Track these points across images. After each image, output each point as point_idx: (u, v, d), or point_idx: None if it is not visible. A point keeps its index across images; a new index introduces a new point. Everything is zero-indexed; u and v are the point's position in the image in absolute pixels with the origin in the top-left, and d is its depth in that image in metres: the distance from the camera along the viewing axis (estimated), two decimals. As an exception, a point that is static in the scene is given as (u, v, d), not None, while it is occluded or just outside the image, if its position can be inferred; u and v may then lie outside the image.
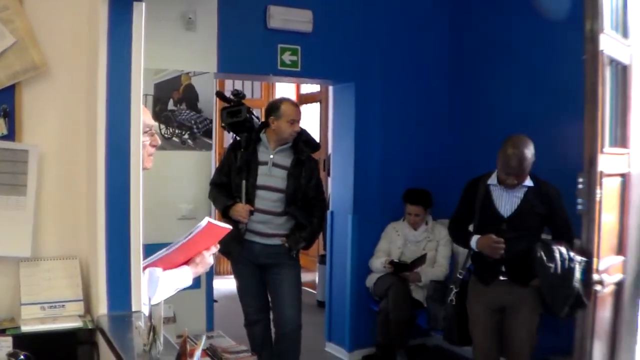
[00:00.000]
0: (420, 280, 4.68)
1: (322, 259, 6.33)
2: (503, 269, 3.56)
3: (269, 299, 4.13)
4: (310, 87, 7.40)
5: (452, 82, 5.23)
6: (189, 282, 2.08)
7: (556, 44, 4.30)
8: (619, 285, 3.92)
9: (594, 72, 3.28)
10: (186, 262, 2.06)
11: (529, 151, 3.47)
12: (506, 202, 3.58)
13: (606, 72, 3.38)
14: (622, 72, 3.68)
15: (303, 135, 4.04)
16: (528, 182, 3.55)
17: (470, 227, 3.77)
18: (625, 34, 3.65)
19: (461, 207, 3.77)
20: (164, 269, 1.98)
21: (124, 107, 1.99)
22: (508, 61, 4.72)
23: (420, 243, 4.88)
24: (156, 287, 1.93)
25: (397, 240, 4.88)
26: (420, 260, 4.67)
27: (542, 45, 4.44)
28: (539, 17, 4.32)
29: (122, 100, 1.99)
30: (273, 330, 4.16)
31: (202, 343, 1.49)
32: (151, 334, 1.57)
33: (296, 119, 3.95)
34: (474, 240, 3.60)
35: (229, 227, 2.05)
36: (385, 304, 4.57)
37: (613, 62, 3.51)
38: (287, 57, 4.58)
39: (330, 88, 5.64)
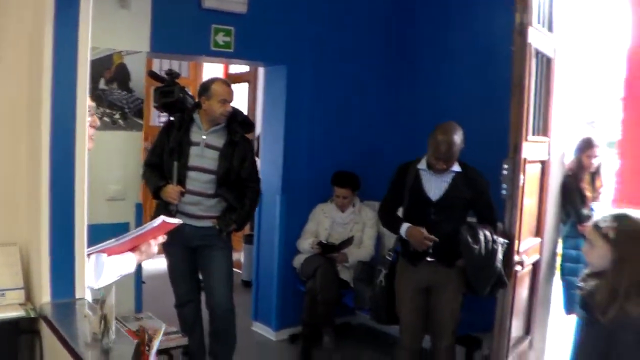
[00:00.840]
0: (347, 261, 4.78)
1: (247, 239, 6.34)
2: (430, 250, 3.66)
3: (200, 280, 4.12)
4: (239, 67, 7.34)
5: (384, 69, 5.32)
6: (133, 269, 2.07)
7: (486, 35, 4.46)
8: (536, 265, 4.14)
9: (521, 63, 3.40)
10: (131, 249, 2.05)
11: (458, 137, 3.58)
12: (435, 187, 3.68)
13: (532, 64, 3.53)
14: (546, 64, 3.86)
15: (239, 115, 4.02)
16: (456, 167, 3.66)
17: (400, 211, 3.87)
18: (550, 28, 3.82)
19: (391, 191, 3.85)
20: (108, 255, 1.96)
21: (69, 89, 1.94)
22: (440, 50, 4.86)
23: (347, 225, 4.96)
24: (101, 273, 1.91)
25: (325, 222, 4.95)
26: (348, 241, 4.76)
27: (473, 36, 4.60)
28: (471, 7, 4.47)
29: (67, 83, 1.94)
30: (204, 311, 4.16)
31: (161, 333, 1.49)
32: (102, 322, 1.55)
33: (228, 99, 3.90)
34: (404, 228, 3.67)
35: (180, 221, 2.06)
36: (312, 284, 4.63)
37: (539, 54, 3.67)
38: (220, 38, 4.53)
39: (261, 69, 5.62)
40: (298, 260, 4.92)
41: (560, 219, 4.63)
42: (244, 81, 7.37)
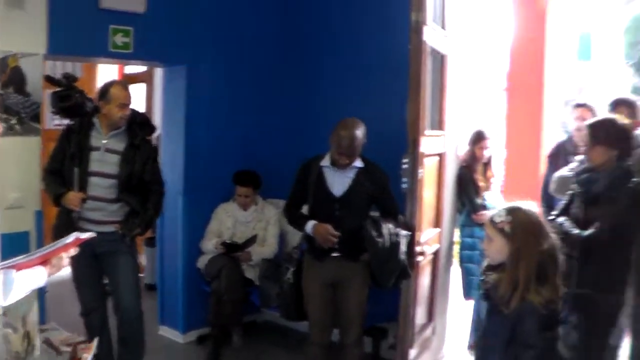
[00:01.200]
0: (251, 260, 4.79)
1: (149, 242, 6.20)
2: (335, 246, 3.71)
3: (106, 285, 4.01)
4: (135, 68, 7.14)
5: (284, 67, 5.33)
6: (42, 283, 2.00)
7: (383, 33, 4.58)
8: (436, 254, 4.32)
9: (418, 61, 3.52)
10: (41, 263, 1.98)
11: (360, 132, 3.65)
12: (338, 183, 3.73)
13: (428, 61, 3.67)
14: (440, 61, 4.02)
15: (137, 116, 3.93)
16: (359, 163, 3.72)
17: (305, 209, 3.91)
18: (443, 26, 3.97)
19: (295, 189, 3.87)
20: (17, 270, 1.88)
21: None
22: (339, 48, 4.94)
23: (250, 223, 4.97)
24: (11, 289, 1.83)
25: (228, 221, 4.93)
26: (251, 240, 4.76)
27: (370, 34, 4.71)
28: (369, 6, 4.57)
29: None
30: (112, 317, 4.04)
31: (94, 347, 1.45)
32: (25, 340, 1.49)
33: (126, 103, 3.81)
34: (310, 226, 3.70)
35: (93, 234, 2.02)
36: (218, 285, 4.60)
37: (433, 51, 3.81)
38: (119, 39, 4.39)
39: (159, 70, 5.50)
40: (202, 261, 4.87)
41: (456, 208, 4.82)
42: (141, 81, 7.17)
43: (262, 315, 5.40)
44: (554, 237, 2.49)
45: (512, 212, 2.47)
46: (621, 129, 3.31)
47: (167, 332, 5.12)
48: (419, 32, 3.49)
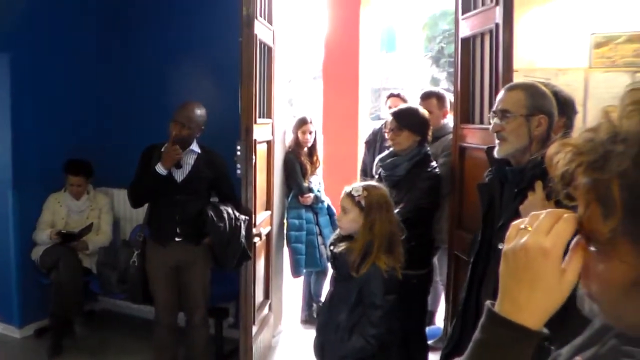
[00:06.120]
0: (87, 249, 4.74)
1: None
2: (178, 230, 3.82)
3: None
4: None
5: (113, 56, 5.25)
6: None
7: (214, 26, 4.70)
8: (268, 236, 4.57)
9: (249, 53, 3.72)
10: None
11: (199, 110, 3.82)
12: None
13: (257, 53, 3.88)
14: (267, 53, 4.25)
15: None
16: (196, 148, 3.87)
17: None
18: (270, 20, 4.20)
19: (139, 172, 3.89)
20: None
21: None
22: (170, 39, 4.97)
23: (83, 212, 4.91)
24: None
25: (61, 211, 4.83)
26: (87, 229, 4.73)
27: (202, 26, 4.81)
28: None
29: None
30: None
31: None
32: None
33: None
34: (159, 165, 3.70)
35: None
36: (56, 275, 4.51)
37: (262, 44, 4.03)
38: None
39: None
40: (36, 253, 4.73)
41: (284, 192, 5.10)
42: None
43: (101, 304, 5.36)
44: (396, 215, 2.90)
45: (368, 188, 2.86)
46: (423, 117, 3.70)
47: (3, 328, 4.90)
48: (250, 25, 3.69)
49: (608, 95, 4.18)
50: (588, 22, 4.34)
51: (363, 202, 2.80)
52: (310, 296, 5.35)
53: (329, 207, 5.23)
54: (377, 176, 3.78)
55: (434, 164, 3.64)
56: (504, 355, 0.89)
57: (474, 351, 0.93)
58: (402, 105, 4.03)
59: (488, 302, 0.93)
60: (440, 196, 3.70)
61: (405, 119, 3.62)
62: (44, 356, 4.47)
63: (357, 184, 2.91)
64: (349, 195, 2.86)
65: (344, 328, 2.78)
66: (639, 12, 4.22)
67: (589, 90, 4.28)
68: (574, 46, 4.37)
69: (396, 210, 3.38)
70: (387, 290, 2.75)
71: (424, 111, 3.73)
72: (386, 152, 3.81)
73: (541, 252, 0.86)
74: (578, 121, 3.31)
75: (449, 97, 4.48)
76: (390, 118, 4.71)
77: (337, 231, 2.98)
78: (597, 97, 4.21)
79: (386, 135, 4.78)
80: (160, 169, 3.72)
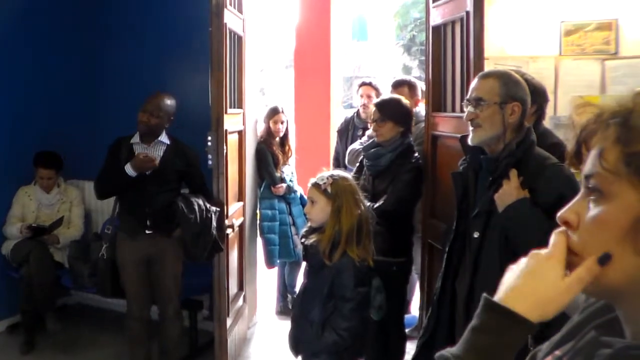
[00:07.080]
0: (59, 242, 4.66)
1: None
2: (148, 222, 3.77)
3: None
4: None
5: (83, 46, 5.14)
6: None
7: (184, 16, 4.63)
8: (241, 227, 4.53)
9: (219, 42, 3.67)
10: None
11: (169, 100, 3.78)
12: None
13: (227, 43, 3.82)
14: (238, 42, 4.19)
15: None
16: (165, 139, 3.82)
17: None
18: (240, 9, 4.15)
19: (107, 164, 3.83)
20: None
21: None
22: (141, 28, 4.88)
23: (54, 206, 4.82)
24: None
25: (31, 205, 4.74)
26: (58, 222, 4.65)
27: (173, 15, 4.74)
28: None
29: None
30: None
31: None
32: None
33: None
34: (128, 166, 3.67)
35: None
36: (27, 270, 4.43)
37: (232, 33, 3.97)
38: None
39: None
40: (6, 247, 4.64)
41: (256, 182, 5.05)
42: None
43: (73, 298, 5.29)
44: (365, 205, 2.86)
45: (334, 176, 2.82)
46: (406, 107, 3.68)
47: (-28, 325, 4.80)
48: (219, 15, 3.63)
49: (578, 83, 4.22)
50: (558, 9, 4.35)
51: (329, 189, 2.77)
52: (284, 287, 5.33)
53: (301, 197, 5.19)
54: (358, 164, 3.80)
55: (417, 155, 3.63)
56: (497, 340, 0.90)
57: (468, 336, 0.93)
58: (385, 96, 4.00)
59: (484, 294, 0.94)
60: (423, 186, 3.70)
61: (389, 110, 3.59)
62: (17, 353, 4.39)
63: (322, 174, 2.88)
64: (315, 185, 2.83)
65: (317, 323, 2.76)
66: (608, 0, 4.25)
67: (559, 78, 4.30)
68: (544, 34, 4.39)
69: (379, 203, 3.41)
70: (359, 282, 2.74)
71: (407, 102, 3.72)
72: (369, 141, 3.79)
73: (545, 255, 0.90)
74: (549, 109, 3.34)
75: (421, 86, 4.48)
76: (363, 107, 4.72)
77: (308, 224, 2.95)
78: (567, 84, 4.23)
79: (357, 124, 4.81)
80: (129, 170, 3.67)
